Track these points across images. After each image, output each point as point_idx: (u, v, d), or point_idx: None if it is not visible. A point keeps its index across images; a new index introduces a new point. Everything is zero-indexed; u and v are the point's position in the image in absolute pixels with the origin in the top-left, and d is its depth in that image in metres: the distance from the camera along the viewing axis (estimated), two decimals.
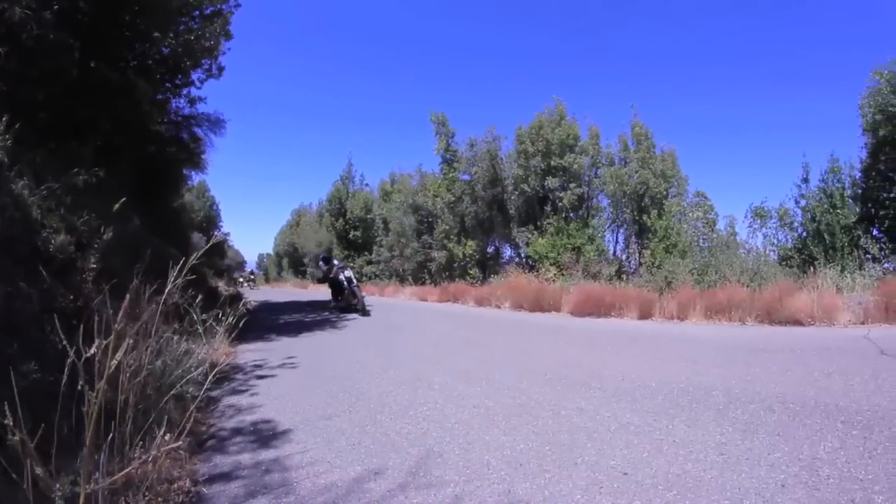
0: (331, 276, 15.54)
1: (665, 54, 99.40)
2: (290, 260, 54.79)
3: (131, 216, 8.15)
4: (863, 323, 7.91)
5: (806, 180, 15.07)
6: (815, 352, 5.92)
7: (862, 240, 12.78)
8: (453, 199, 22.02)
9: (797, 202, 15.08)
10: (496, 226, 21.70)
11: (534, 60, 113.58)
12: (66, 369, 2.12)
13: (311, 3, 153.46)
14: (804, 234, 14.51)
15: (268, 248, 70.51)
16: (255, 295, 27.69)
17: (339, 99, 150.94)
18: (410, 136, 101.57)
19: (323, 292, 32.35)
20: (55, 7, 6.99)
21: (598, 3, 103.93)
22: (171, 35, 10.38)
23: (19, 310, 3.84)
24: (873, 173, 14.19)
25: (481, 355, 6.80)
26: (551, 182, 19.18)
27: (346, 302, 14.65)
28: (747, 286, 9.98)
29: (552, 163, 19.27)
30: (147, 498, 2.54)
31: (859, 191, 14.45)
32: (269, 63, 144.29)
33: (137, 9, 8.82)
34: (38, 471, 1.98)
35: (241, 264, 57.16)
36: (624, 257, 19.04)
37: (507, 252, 22.94)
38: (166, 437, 2.55)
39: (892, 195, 13.45)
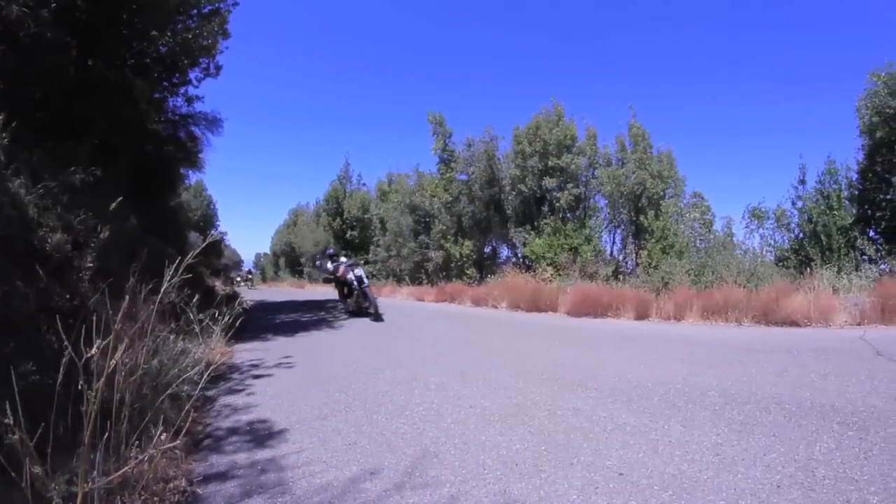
0: (337, 275, 13.60)
1: (663, 55, 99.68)
2: (287, 259, 54.72)
3: (128, 215, 8.13)
4: (859, 324, 7.92)
5: (803, 182, 15.09)
6: (812, 353, 5.92)
7: (858, 241, 12.81)
8: (450, 199, 22.01)
9: (794, 203, 15.10)
10: (493, 226, 21.68)
11: (532, 60, 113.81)
12: (62, 368, 2.12)
13: (309, 3, 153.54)
14: (801, 235, 14.52)
15: (265, 247, 70.46)
16: (253, 294, 27.64)
17: (336, 99, 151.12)
18: (408, 136, 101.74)
19: (320, 292, 32.33)
20: (53, 5, 6.98)
21: (596, 4, 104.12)
22: (169, 33, 10.38)
23: (16, 309, 3.84)
24: (870, 175, 14.20)
25: (478, 355, 6.80)
26: (548, 182, 19.18)
27: (355, 305, 13.05)
28: (744, 287, 9.99)
29: (549, 163, 19.27)
30: (143, 497, 2.54)
31: (856, 192, 14.46)
32: (266, 63, 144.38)
33: (135, 7, 8.81)
34: (37, 470, 1.98)
35: (237, 263, 57.09)
36: (621, 258, 19.04)
37: (504, 252, 22.94)
38: (162, 437, 2.55)
39: (888, 197, 13.46)
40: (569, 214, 19.54)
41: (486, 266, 22.00)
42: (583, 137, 20.34)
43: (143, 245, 7.00)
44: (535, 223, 19.72)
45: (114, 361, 2.14)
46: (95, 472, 2.23)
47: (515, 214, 20.69)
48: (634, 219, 17.95)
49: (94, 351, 2.07)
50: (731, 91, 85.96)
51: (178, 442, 2.72)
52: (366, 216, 36.66)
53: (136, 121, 9.64)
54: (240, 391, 5.31)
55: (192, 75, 12.54)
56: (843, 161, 14.80)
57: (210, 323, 6.16)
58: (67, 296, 4.63)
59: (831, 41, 73.12)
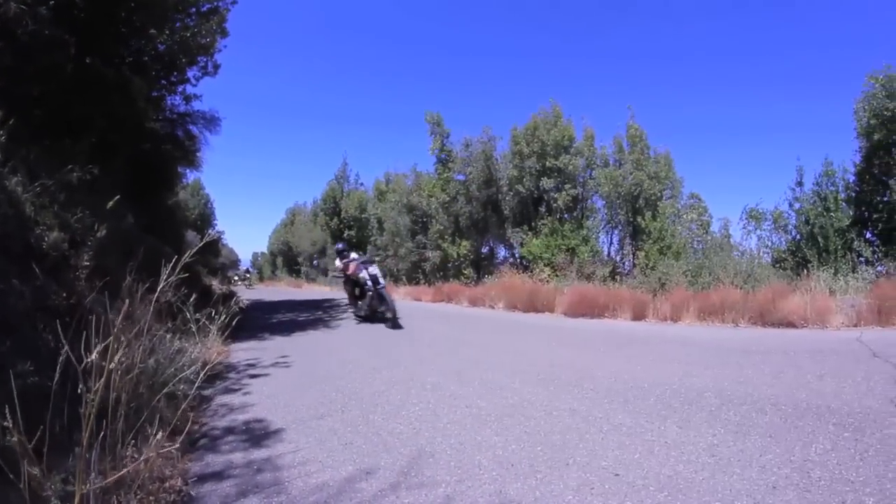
0: (348, 273, 11.83)
1: (661, 55, 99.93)
2: (285, 259, 54.67)
3: (125, 213, 8.12)
4: (855, 325, 7.93)
5: (800, 183, 15.10)
6: (808, 354, 5.93)
7: (855, 243, 12.82)
8: (448, 199, 22.00)
9: (791, 205, 15.11)
10: (491, 226, 21.68)
11: (530, 61, 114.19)
12: (58, 368, 2.12)
13: (308, 3, 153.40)
14: (798, 236, 14.54)
15: (262, 246, 70.37)
16: (250, 294, 27.62)
17: (334, 98, 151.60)
18: (406, 136, 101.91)
19: (317, 292, 32.29)
20: (51, 2, 6.97)
21: (595, 5, 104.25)
22: (168, 32, 10.37)
23: (12, 307, 3.83)
24: (867, 177, 14.22)
25: (474, 355, 6.81)
26: (546, 183, 19.18)
27: (369, 308, 11.28)
28: (741, 288, 9.99)
29: (547, 164, 19.26)
30: (139, 497, 2.54)
31: (853, 194, 14.47)
32: (265, 62, 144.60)
33: (134, 5, 8.81)
34: (34, 470, 1.98)
35: (235, 263, 56.93)
36: (618, 258, 19.03)
37: (502, 252, 22.92)
38: (158, 437, 2.54)
39: (885, 199, 13.48)
40: (566, 215, 19.54)
41: (483, 266, 22.00)
42: (580, 138, 20.36)
43: (140, 244, 7.00)
44: (533, 224, 19.72)
45: (113, 364, 2.13)
46: (92, 472, 2.23)
47: (513, 215, 20.69)
48: (632, 220, 17.96)
49: (94, 356, 2.06)
50: (729, 92, 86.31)
51: (174, 443, 2.71)
52: (363, 216, 36.64)
53: (134, 119, 9.63)
54: (236, 390, 5.31)
55: (190, 74, 12.53)
56: (840, 163, 14.83)
57: (207, 322, 6.16)
58: (64, 294, 4.62)
59: (829, 43, 73.36)
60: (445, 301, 17.58)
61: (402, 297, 20.94)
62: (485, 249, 23.12)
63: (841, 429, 3.40)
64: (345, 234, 37.90)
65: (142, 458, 2.56)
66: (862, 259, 12.33)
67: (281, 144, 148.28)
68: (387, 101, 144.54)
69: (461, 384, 5.23)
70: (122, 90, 8.74)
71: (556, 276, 15.79)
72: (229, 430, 3.98)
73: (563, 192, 19.03)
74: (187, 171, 16.74)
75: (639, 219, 17.22)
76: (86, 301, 4.53)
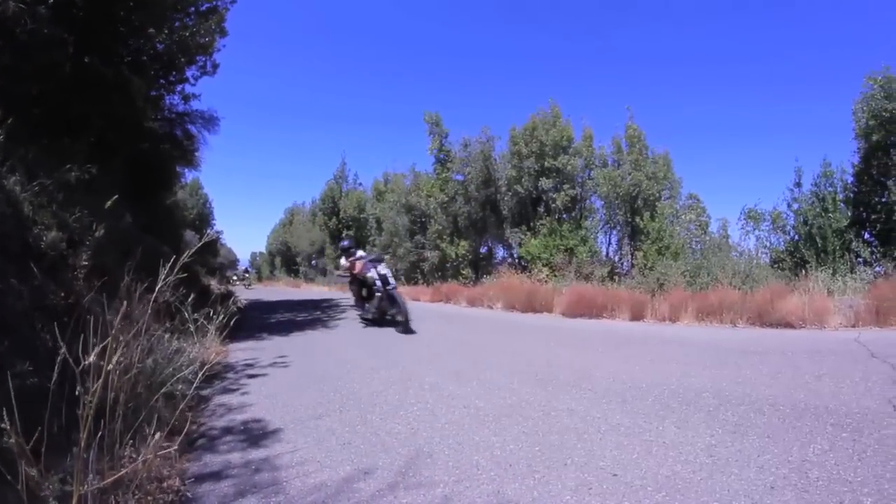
0: (354, 272, 11.07)
1: (660, 56, 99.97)
2: (283, 259, 54.63)
3: (123, 213, 8.11)
4: (853, 326, 7.94)
5: (799, 184, 15.10)
6: (806, 354, 5.94)
7: (853, 243, 12.83)
8: (446, 199, 21.99)
9: (789, 205, 15.11)
10: (489, 226, 21.67)
11: (529, 61, 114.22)
12: (56, 367, 2.12)
13: (307, 3, 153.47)
14: (796, 237, 14.54)
15: (261, 246, 70.28)
16: (249, 294, 27.62)
17: (333, 98, 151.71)
18: (404, 136, 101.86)
19: (316, 291, 32.27)
20: (50, 1, 6.96)
21: (594, 6, 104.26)
22: (166, 31, 10.36)
23: (10, 307, 3.83)
24: (865, 178, 14.24)
25: (473, 355, 6.81)
26: (545, 183, 19.17)
27: (377, 310, 10.51)
28: (739, 288, 10.00)
29: (546, 164, 19.25)
30: (137, 497, 2.54)
31: (851, 195, 14.48)
32: (263, 62, 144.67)
33: (132, 4, 8.81)
34: (33, 472, 1.98)
35: (233, 262, 56.70)
36: (616, 259, 19.02)
37: (500, 252, 22.90)
38: (157, 437, 2.54)
39: (883, 199, 13.50)
40: (565, 215, 19.54)
41: (481, 266, 21.99)
42: (579, 138, 20.36)
43: (138, 243, 7.00)
44: (531, 224, 19.71)
45: (111, 366, 2.13)
46: (90, 472, 2.23)
47: (511, 215, 20.68)
48: (630, 220, 17.95)
49: (92, 357, 2.06)
50: (727, 93, 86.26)
51: (173, 443, 2.71)
52: (362, 216, 36.63)
53: (133, 118, 9.63)
54: (234, 390, 5.30)
55: (188, 73, 12.52)
56: (838, 164, 14.84)
57: (205, 322, 6.16)
58: (62, 294, 4.62)
59: (828, 44, 73.37)
60: (444, 301, 17.58)
61: None
62: (483, 249, 23.11)
63: (839, 429, 3.40)
64: (343, 234, 37.87)
65: (140, 459, 2.56)
66: (860, 260, 12.34)
67: (279, 144, 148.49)
68: (385, 100, 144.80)
69: (459, 384, 5.23)
70: (121, 89, 8.74)
71: (555, 276, 15.79)
72: (227, 430, 3.98)
73: (562, 193, 19.03)
74: (186, 170, 16.74)
75: (637, 219, 17.21)
76: (84, 301, 4.53)
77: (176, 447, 2.88)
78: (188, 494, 2.84)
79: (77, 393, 2.09)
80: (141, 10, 8.91)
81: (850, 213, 14.04)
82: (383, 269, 10.38)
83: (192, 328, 5.83)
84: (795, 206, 14.87)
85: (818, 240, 13.43)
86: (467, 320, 11.92)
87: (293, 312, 15.02)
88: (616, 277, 15.63)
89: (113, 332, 2.18)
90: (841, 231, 13.44)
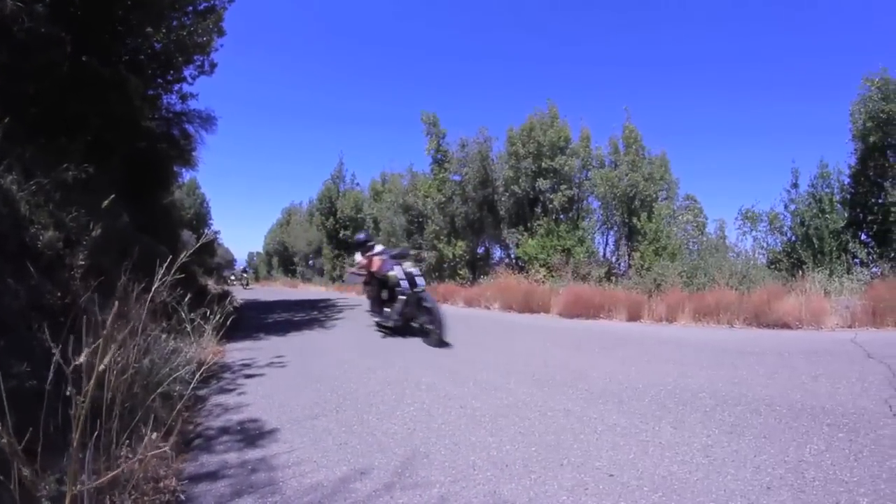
0: (372, 270, 9.55)
1: (658, 59, 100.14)
2: (281, 259, 54.61)
3: (120, 213, 8.10)
4: (850, 326, 7.96)
5: (795, 185, 15.13)
6: (803, 355, 5.94)
7: (850, 244, 12.86)
8: (444, 199, 21.97)
9: (786, 206, 15.15)
10: (486, 226, 21.66)
11: (527, 64, 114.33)
12: (52, 367, 2.12)
13: (306, 5, 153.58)
14: (793, 238, 14.57)
15: (258, 246, 70.24)
16: (246, 294, 27.60)
17: (331, 99, 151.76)
18: (402, 137, 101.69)
19: (313, 291, 32.22)
20: (47, 0, 6.95)
21: (592, 9, 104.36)
22: (164, 30, 10.37)
23: (7, 307, 3.82)
24: (862, 179, 14.28)
25: (469, 355, 6.81)
26: (542, 184, 19.16)
27: (401, 317, 8.84)
28: (736, 289, 10.01)
29: (543, 164, 19.24)
30: (133, 497, 2.54)
31: (848, 196, 14.52)
32: (261, 63, 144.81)
33: (130, 3, 8.81)
34: (26, 472, 1.97)
35: (230, 262, 56.47)
36: (614, 259, 19.02)
37: (497, 253, 22.88)
38: (153, 437, 2.54)
39: (880, 201, 13.54)
40: (562, 216, 19.53)
41: (478, 267, 21.97)
42: (577, 139, 20.36)
43: (135, 243, 6.99)
44: (529, 224, 19.71)
45: (103, 366, 2.13)
46: (85, 472, 2.22)
47: (509, 215, 20.68)
48: (627, 221, 17.95)
49: (81, 358, 2.06)
50: (725, 95, 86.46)
51: (169, 443, 2.71)
52: (359, 216, 36.61)
53: (130, 118, 9.61)
54: (231, 390, 5.30)
55: (186, 73, 12.52)
56: (835, 165, 14.88)
57: (202, 322, 6.15)
58: (59, 294, 4.62)
59: (824, 46, 73.49)
60: (441, 301, 17.46)
61: None
62: (480, 250, 23.09)
63: (835, 429, 3.40)
64: (340, 234, 37.87)
65: (136, 458, 2.56)
66: (857, 260, 12.38)
67: (277, 145, 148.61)
68: (383, 102, 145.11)
69: (456, 384, 5.23)
70: (119, 89, 8.73)
71: (552, 276, 15.79)
72: (224, 430, 3.98)
73: (559, 193, 19.02)
74: (183, 170, 16.72)
75: (634, 220, 17.20)
76: (81, 301, 4.52)
77: (172, 446, 2.88)
78: (184, 495, 2.84)
79: (68, 393, 2.09)
80: (139, 9, 8.91)
81: (846, 215, 14.06)
82: (410, 266, 8.83)
83: (188, 328, 5.83)
84: (792, 207, 14.90)
85: (815, 241, 13.46)
86: (464, 320, 11.86)
87: (290, 312, 15.00)
88: (613, 278, 15.64)
89: (105, 331, 2.17)
90: (838, 232, 13.47)
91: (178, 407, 3.29)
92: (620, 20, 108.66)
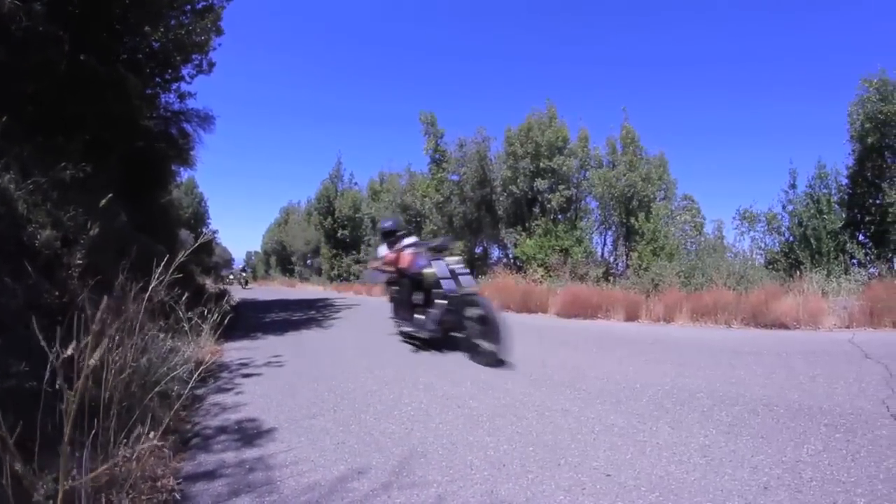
0: (401, 266, 7.85)
1: (657, 60, 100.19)
2: (279, 258, 54.67)
3: (118, 212, 8.10)
4: (848, 327, 7.97)
5: (793, 186, 15.18)
6: (800, 355, 5.95)
7: (848, 245, 12.91)
8: (442, 199, 21.99)
9: (784, 207, 15.20)
10: (484, 226, 21.69)
11: (525, 64, 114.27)
12: (48, 366, 2.12)
13: (304, 6, 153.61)
14: (791, 238, 14.61)
15: (256, 245, 70.25)
16: (244, 293, 27.59)
17: (329, 99, 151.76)
18: (401, 137, 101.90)
19: (311, 291, 32.14)
20: None
21: (591, 10, 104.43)
22: (162, 29, 10.39)
23: (4, 306, 3.82)
24: (860, 180, 14.33)
25: (467, 355, 6.80)
26: (540, 184, 19.19)
27: (439, 326, 7.08)
28: (734, 289, 10.02)
29: (541, 164, 19.28)
30: (131, 496, 2.53)
31: (846, 197, 14.57)
32: (260, 63, 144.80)
33: (128, 2, 8.81)
34: (17, 466, 1.97)
35: (228, 262, 56.40)
36: (611, 259, 19.08)
37: (495, 253, 22.93)
38: (151, 435, 2.54)
39: (878, 201, 13.59)
40: (560, 216, 19.57)
41: (476, 266, 21.99)
42: (575, 139, 20.39)
43: (133, 242, 6.98)
44: (526, 224, 19.74)
45: (93, 361, 2.12)
46: (82, 470, 2.22)
47: (507, 215, 20.72)
48: (625, 221, 17.99)
49: (69, 351, 2.06)
50: (723, 96, 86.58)
51: (166, 441, 2.71)
52: (357, 215, 36.70)
53: (128, 117, 9.61)
54: (229, 390, 5.29)
55: (184, 72, 12.54)
56: (833, 166, 14.94)
57: (199, 321, 6.15)
58: (57, 293, 4.62)
59: (822, 47, 73.59)
60: None
61: None
62: (478, 250, 23.12)
63: (833, 430, 3.41)
64: (339, 234, 37.92)
65: (133, 457, 2.56)
66: (854, 261, 12.44)
67: (275, 144, 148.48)
68: (382, 101, 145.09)
69: (453, 384, 5.23)
70: (116, 88, 8.72)
71: (550, 276, 15.81)
72: (221, 430, 3.97)
73: (557, 193, 19.06)
74: (181, 169, 16.78)
75: (632, 220, 17.25)
76: (78, 300, 4.52)
77: (170, 445, 2.88)
78: (183, 492, 2.84)
79: (57, 385, 2.09)
80: (137, 7, 8.92)
81: (844, 215, 14.13)
82: (454, 262, 7.12)
83: (186, 327, 5.83)
84: (790, 207, 14.97)
85: (813, 241, 13.50)
86: None
87: (288, 312, 14.99)
88: (611, 278, 15.69)
89: (94, 324, 2.17)
90: (835, 233, 13.52)
91: (175, 406, 3.29)
92: (620, 20, 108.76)
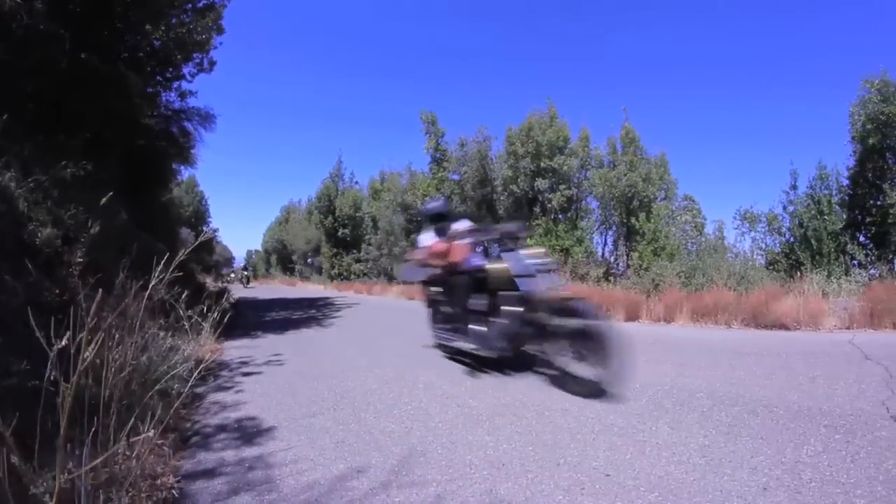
0: (453, 260, 6.27)
1: (657, 60, 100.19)
2: (279, 257, 54.66)
3: (119, 210, 8.11)
4: (848, 328, 7.96)
5: (794, 187, 15.18)
6: (800, 356, 5.94)
7: (848, 246, 12.91)
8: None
9: (785, 208, 15.19)
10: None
11: (526, 64, 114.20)
12: (48, 364, 2.12)
13: (305, 6, 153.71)
14: (791, 239, 14.60)
15: (256, 244, 70.22)
16: (245, 292, 27.58)
17: (330, 98, 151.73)
18: (401, 136, 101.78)
19: (311, 290, 32.11)
20: None
21: (591, 10, 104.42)
22: (163, 28, 10.40)
23: (5, 304, 3.82)
24: (861, 181, 14.32)
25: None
26: (541, 183, 19.19)
27: (510, 342, 5.38)
28: (734, 290, 10.02)
29: (542, 164, 19.29)
30: (130, 494, 2.53)
31: (846, 197, 14.57)
32: (260, 63, 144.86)
33: (129, 1, 8.80)
34: (15, 460, 1.97)
35: (229, 260, 56.30)
36: (612, 259, 19.08)
37: (496, 252, 22.88)
38: (151, 433, 2.54)
39: (878, 202, 13.58)
40: (560, 216, 19.57)
41: None
42: (576, 139, 20.40)
43: (133, 240, 6.98)
44: (527, 224, 19.71)
45: (88, 355, 2.12)
46: (82, 467, 2.22)
47: (507, 215, 20.69)
48: (626, 221, 18.00)
49: (63, 343, 2.06)
50: (724, 96, 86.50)
51: (165, 438, 2.71)
52: (358, 214, 36.70)
53: (129, 115, 9.61)
54: (229, 388, 5.30)
55: (185, 70, 12.56)
56: (833, 167, 14.94)
57: (200, 320, 6.15)
58: (57, 291, 4.62)
59: (824, 48, 73.60)
60: None
61: (395, 297, 20.94)
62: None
63: (832, 430, 3.40)
64: (339, 233, 37.92)
65: (133, 455, 2.56)
66: (855, 262, 12.43)
67: (276, 143, 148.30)
68: (383, 101, 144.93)
69: (453, 383, 5.23)
70: (117, 86, 8.72)
71: None
72: (221, 428, 3.97)
73: (558, 193, 19.07)
74: (182, 167, 16.81)
75: (633, 220, 17.26)
76: (78, 298, 4.53)
77: (170, 444, 2.88)
78: (180, 492, 2.84)
79: (51, 376, 2.09)
80: (138, 6, 8.92)
81: (845, 216, 14.12)
82: (535, 255, 5.32)
83: (186, 326, 5.83)
84: (791, 208, 14.97)
85: (813, 242, 13.50)
86: None
87: (288, 310, 15.00)
88: (611, 278, 15.69)
89: (89, 318, 2.17)
90: (836, 233, 13.51)
91: (175, 404, 3.29)
92: (620, 20, 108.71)
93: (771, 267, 13.67)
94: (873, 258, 12.29)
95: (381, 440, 3.60)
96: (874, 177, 13.90)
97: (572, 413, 4.08)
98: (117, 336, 3.05)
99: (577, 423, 3.83)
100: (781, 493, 2.56)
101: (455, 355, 6.50)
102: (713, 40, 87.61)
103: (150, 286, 3.05)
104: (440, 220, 6.74)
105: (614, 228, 19.12)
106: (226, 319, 6.21)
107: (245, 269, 48.10)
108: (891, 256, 12.61)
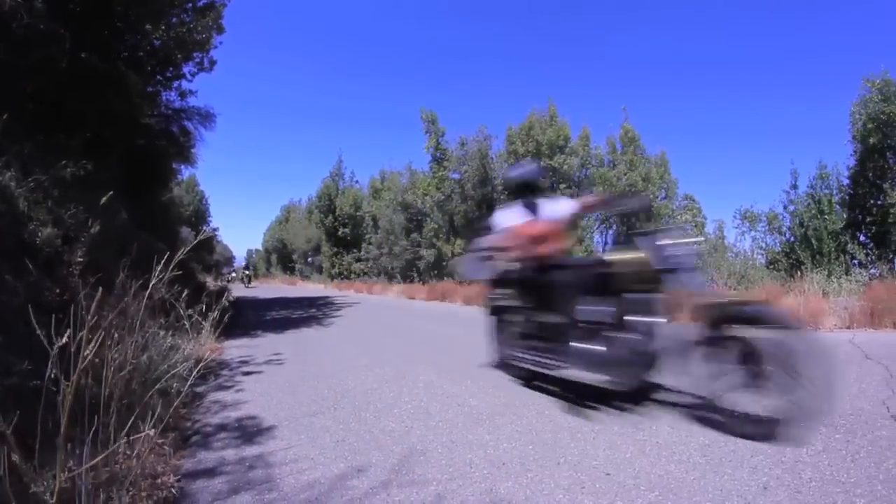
0: (544, 252, 4.60)
1: (658, 60, 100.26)
2: (279, 256, 54.68)
3: (119, 209, 8.10)
4: (848, 327, 7.95)
5: (794, 186, 15.19)
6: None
7: (849, 245, 12.90)
8: (443, 197, 22.00)
9: (786, 207, 15.20)
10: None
11: (527, 64, 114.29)
12: (49, 364, 2.12)
13: (305, 6, 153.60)
14: (792, 238, 14.60)
15: (257, 243, 70.26)
16: (245, 292, 27.58)
17: (331, 98, 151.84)
18: (402, 136, 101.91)
19: (311, 289, 32.09)
20: None
21: (592, 10, 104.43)
22: (163, 27, 10.39)
23: (5, 303, 3.82)
24: (861, 180, 14.32)
25: (467, 354, 6.79)
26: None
27: (643, 367, 3.85)
28: (734, 289, 10.01)
29: (542, 163, 19.26)
30: (131, 493, 2.53)
31: (847, 197, 14.57)
32: (261, 63, 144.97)
33: (129, 0, 8.79)
34: (15, 458, 1.97)
35: (229, 259, 56.20)
36: None
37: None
38: (151, 433, 2.54)
39: (879, 202, 13.58)
40: None
41: None
42: (576, 138, 20.40)
43: (133, 240, 6.98)
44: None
45: (88, 353, 2.12)
46: (82, 466, 2.22)
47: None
48: (626, 220, 17.97)
49: (63, 341, 2.06)
50: (725, 96, 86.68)
51: (166, 438, 2.71)
52: (358, 213, 36.74)
53: (129, 114, 9.60)
54: (229, 387, 5.30)
55: (185, 69, 12.54)
56: (834, 166, 14.94)
57: (200, 319, 6.15)
58: (57, 290, 4.62)
59: (824, 48, 73.65)
60: (439, 300, 17.55)
61: (396, 296, 20.92)
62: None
63: (832, 430, 3.40)
64: (339, 232, 37.95)
65: (133, 454, 2.56)
66: (855, 261, 12.41)
67: (276, 143, 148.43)
68: (383, 100, 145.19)
69: (453, 382, 5.23)
70: (117, 85, 8.72)
71: None
72: (222, 427, 3.97)
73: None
74: (182, 167, 16.79)
75: (633, 219, 17.23)
76: (79, 297, 4.53)
77: (170, 443, 2.88)
78: (180, 491, 2.84)
79: (50, 373, 2.09)
80: (138, 5, 8.92)
81: (845, 216, 14.12)
82: (682, 241, 3.87)
83: (186, 325, 5.83)
84: (791, 207, 14.97)
85: (814, 241, 13.50)
86: (463, 319, 11.85)
87: (289, 310, 15.00)
88: None
89: (89, 317, 2.17)
90: (836, 233, 13.51)
91: (175, 403, 3.29)
92: (620, 20, 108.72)
93: (771, 266, 13.67)
94: (874, 257, 12.28)
95: (382, 439, 3.60)
96: (875, 176, 13.90)
97: (572, 412, 4.08)
98: (117, 335, 3.06)
99: (578, 422, 3.83)
100: (781, 492, 2.56)
101: (533, 384, 4.93)
102: (713, 40, 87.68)
103: (151, 285, 3.05)
104: (530, 192, 5.11)
105: (614, 228, 19.12)
106: (226, 318, 6.20)
107: (246, 268, 47.80)
108: (891, 256, 12.62)
